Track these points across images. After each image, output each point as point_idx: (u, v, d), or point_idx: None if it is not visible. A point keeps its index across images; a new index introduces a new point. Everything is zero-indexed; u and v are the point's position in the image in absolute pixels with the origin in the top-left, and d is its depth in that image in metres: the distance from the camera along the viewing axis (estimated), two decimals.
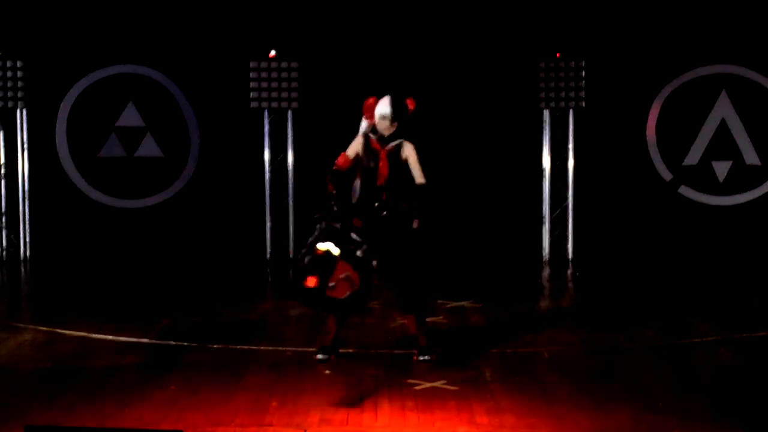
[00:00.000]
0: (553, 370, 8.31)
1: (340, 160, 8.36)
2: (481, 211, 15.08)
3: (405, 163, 8.35)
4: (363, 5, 14.93)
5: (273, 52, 14.88)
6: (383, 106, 8.37)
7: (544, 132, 15.07)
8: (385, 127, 8.36)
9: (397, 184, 8.35)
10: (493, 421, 6.96)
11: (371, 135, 8.40)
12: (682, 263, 14.37)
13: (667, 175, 15.12)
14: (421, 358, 8.47)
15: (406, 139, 8.42)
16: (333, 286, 8.04)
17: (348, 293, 8.03)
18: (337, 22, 14.97)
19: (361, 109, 8.52)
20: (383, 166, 8.29)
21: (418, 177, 8.31)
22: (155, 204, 15.33)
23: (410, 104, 8.50)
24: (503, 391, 7.66)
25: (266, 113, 15.06)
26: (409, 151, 8.35)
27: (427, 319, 8.77)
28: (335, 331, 8.56)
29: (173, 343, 9.44)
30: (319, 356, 8.54)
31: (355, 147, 8.40)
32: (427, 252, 8.80)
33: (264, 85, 14.90)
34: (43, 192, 15.19)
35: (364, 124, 8.51)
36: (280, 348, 9.18)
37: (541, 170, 15.09)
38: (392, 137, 8.38)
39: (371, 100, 8.46)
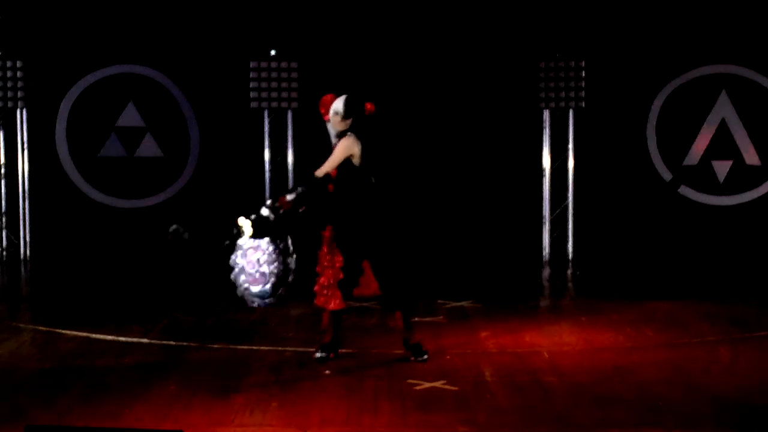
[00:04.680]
0: (553, 370, 8.31)
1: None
2: (482, 211, 15.07)
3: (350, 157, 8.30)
4: (363, 5, 14.93)
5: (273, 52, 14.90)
6: (337, 103, 8.40)
7: (544, 132, 15.07)
8: (336, 123, 8.37)
9: (342, 177, 8.32)
10: (493, 420, 6.96)
11: (336, 138, 8.41)
12: (683, 263, 14.36)
13: (667, 175, 15.11)
14: (419, 358, 8.42)
15: (353, 135, 8.35)
16: None
17: None
18: (337, 22, 14.96)
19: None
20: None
21: (320, 168, 8.28)
22: (155, 204, 15.33)
23: (368, 106, 8.46)
24: (503, 391, 7.66)
25: (266, 113, 15.06)
26: (338, 143, 8.32)
27: (427, 319, 8.76)
28: (333, 330, 8.54)
29: (173, 343, 9.44)
30: (318, 355, 8.53)
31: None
32: (412, 248, 8.77)
33: (264, 85, 14.90)
34: (43, 192, 15.19)
35: (329, 128, 8.51)
36: (279, 348, 9.18)
37: (541, 170, 15.08)
38: (343, 135, 8.35)
39: (327, 98, 8.46)
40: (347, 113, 8.33)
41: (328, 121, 8.45)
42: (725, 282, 13.10)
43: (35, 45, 14.99)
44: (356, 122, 8.36)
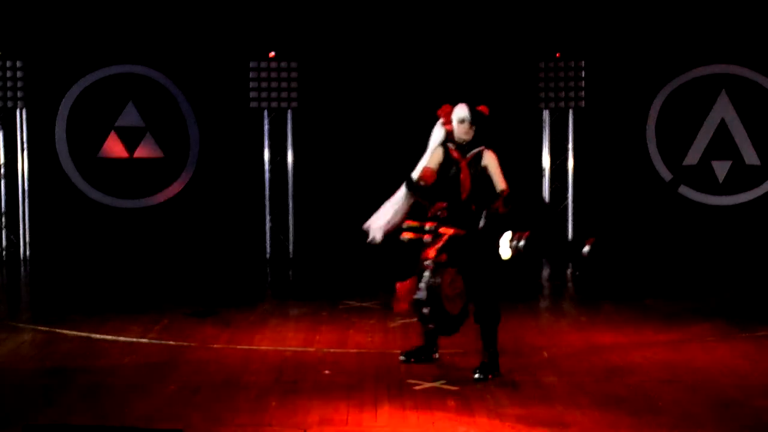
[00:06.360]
0: (553, 370, 8.31)
1: (425, 174, 8.11)
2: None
3: (484, 172, 8.16)
4: (362, 5, 14.94)
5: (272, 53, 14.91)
6: (461, 110, 8.19)
7: (544, 132, 15.09)
8: (464, 132, 8.18)
9: (479, 194, 8.15)
10: (492, 421, 6.96)
11: (449, 144, 8.20)
12: (682, 263, 14.37)
13: (666, 175, 15.12)
14: (476, 375, 8.09)
15: (486, 146, 8.23)
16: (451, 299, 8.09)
17: (460, 307, 8.10)
18: (337, 22, 14.97)
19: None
20: (465, 178, 8.12)
21: (500, 184, 8.12)
22: (155, 204, 15.34)
23: (484, 110, 8.34)
24: (503, 391, 7.66)
25: (266, 113, 15.07)
26: (489, 159, 8.17)
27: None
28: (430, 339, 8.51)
29: (173, 343, 9.44)
30: (401, 358, 8.54)
31: (437, 158, 8.17)
32: (501, 264, 8.62)
33: (264, 84, 14.91)
34: (42, 192, 15.20)
35: (438, 134, 8.27)
36: (279, 348, 9.18)
37: (540, 170, 15.09)
38: (471, 144, 8.21)
39: (447, 107, 8.31)
40: (473, 120, 8.19)
41: (450, 130, 8.21)
42: (725, 282, 13.11)
43: (35, 45, 15.00)
44: (479, 130, 8.24)
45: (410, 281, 8.15)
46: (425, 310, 7.97)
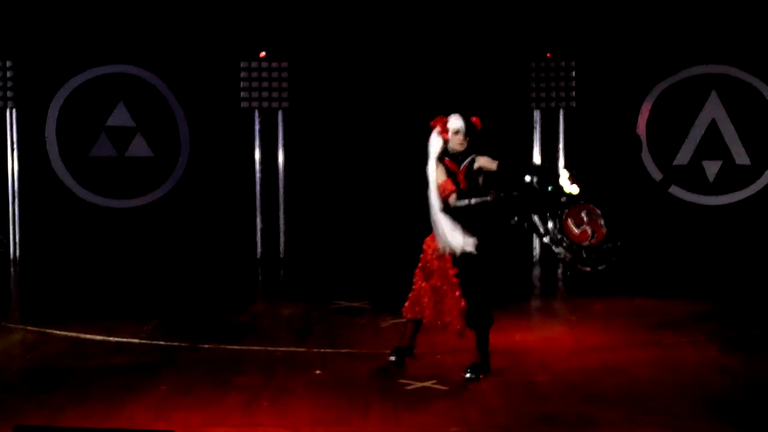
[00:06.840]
0: (545, 370, 8.32)
1: (446, 188, 8.10)
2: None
3: (479, 176, 8.22)
4: (354, 5, 14.93)
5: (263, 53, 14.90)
6: (456, 121, 8.20)
7: (535, 132, 15.09)
8: (458, 143, 8.18)
9: (475, 194, 8.19)
10: (484, 420, 6.97)
11: (446, 158, 8.19)
12: (674, 262, 14.38)
13: (657, 175, 15.14)
14: (467, 375, 8.08)
15: (477, 155, 8.26)
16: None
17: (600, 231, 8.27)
18: (328, 22, 14.96)
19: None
20: (463, 184, 8.16)
21: (493, 162, 8.22)
22: (145, 204, 15.31)
23: (477, 123, 8.34)
24: (494, 391, 7.67)
25: (257, 113, 15.05)
26: (480, 160, 8.20)
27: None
28: (411, 335, 8.51)
29: (164, 343, 9.43)
30: (392, 358, 8.50)
31: (442, 172, 8.17)
32: (496, 270, 8.61)
33: (255, 85, 14.89)
34: (33, 192, 15.15)
35: (435, 144, 8.23)
36: (270, 348, 9.17)
37: None
38: (464, 154, 8.22)
39: (442, 117, 8.30)
40: (468, 131, 8.20)
41: (447, 139, 8.20)
42: (715, 281, 13.12)
43: (25, 45, 14.96)
44: (473, 141, 8.25)
45: (416, 289, 8.31)
46: (600, 265, 8.15)
